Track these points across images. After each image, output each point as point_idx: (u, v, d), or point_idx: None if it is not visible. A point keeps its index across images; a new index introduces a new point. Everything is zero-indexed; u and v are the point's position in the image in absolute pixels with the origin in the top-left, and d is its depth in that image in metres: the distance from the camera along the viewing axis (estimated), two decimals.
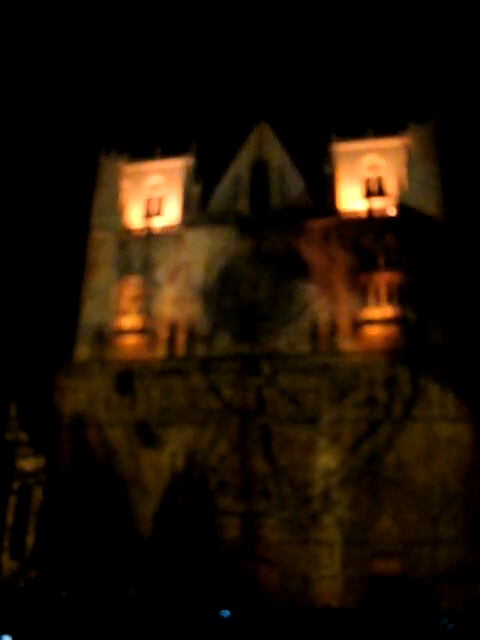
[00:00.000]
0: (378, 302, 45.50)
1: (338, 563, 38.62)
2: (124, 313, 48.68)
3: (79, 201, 56.32)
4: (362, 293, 45.64)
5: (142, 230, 51.23)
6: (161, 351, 46.66)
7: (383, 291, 45.70)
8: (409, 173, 48.62)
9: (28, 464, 44.38)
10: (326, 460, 40.86)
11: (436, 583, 36.96)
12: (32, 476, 44.00)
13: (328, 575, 38.48)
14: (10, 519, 42.40)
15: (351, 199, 49.25)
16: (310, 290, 46.49)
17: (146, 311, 48.26)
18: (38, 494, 43.45)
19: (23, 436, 45.13)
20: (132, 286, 49.35)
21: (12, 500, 42.89)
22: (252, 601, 35.98)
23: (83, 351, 47.64)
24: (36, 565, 40.26)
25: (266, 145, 52.56)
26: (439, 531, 38.10)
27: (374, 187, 49.73)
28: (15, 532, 42.10)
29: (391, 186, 49.09)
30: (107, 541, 40.71)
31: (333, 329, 45.04)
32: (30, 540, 41.69)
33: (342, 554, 38.75)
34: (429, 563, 37.47)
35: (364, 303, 45.41)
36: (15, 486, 43.33)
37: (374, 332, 44.70)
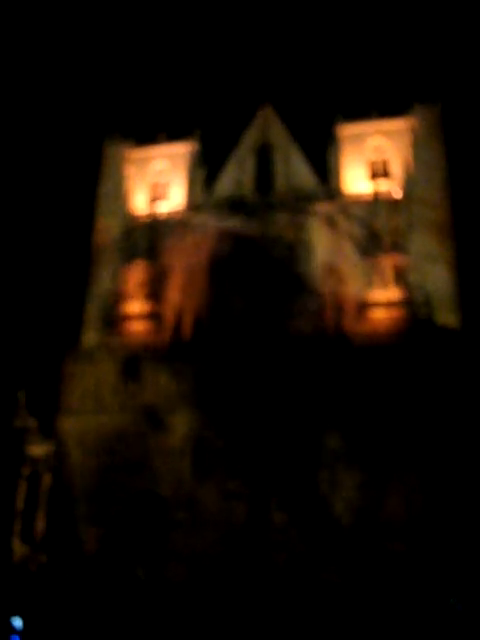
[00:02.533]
0: (384, 284, 45.46)
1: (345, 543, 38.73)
2: (131, 298, 48.77)
3: (84, 187, 56.30)
4: (368, 276, 45.61)
5: (148, 215, 51.21)
6: (168, 336, 46.74)
7: (389, 273, 45.64)
8: (414, 155, 48.32)
9: (37, 450, 44.66)
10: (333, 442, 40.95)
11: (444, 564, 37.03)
12: (41, 462, 44.28)
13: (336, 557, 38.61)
14: (20, 505, 42.72)
15: (356, 181, 49.05)
16: (316, 273, 46.47)
17: (153, 296, 48.32)
18: (47, 480, 43.74)
19: (32, 423, 45.35)
20: (138, 271, 49.41)
21: (22, 486, 43.18)
22: (260, 582, 36.25)
23: (90, 337, 47.79)
24: (46, 550, 40.62)
25: (270, 128, 52.28)
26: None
27: (379, 169, 49.49)
28: (25, 517, 42.41)
29: (396, 168, 48.87)
30: (116, 526, 41.03)
31: (340, 312, 45.03)
32: (40, 525, 42.02)
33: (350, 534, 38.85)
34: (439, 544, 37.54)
35: (370, 286, 45.38)
36: (25, 472, 43.60)
37: (380, 315, 44.68)
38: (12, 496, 41.65)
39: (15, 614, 20.27)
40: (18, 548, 40.48)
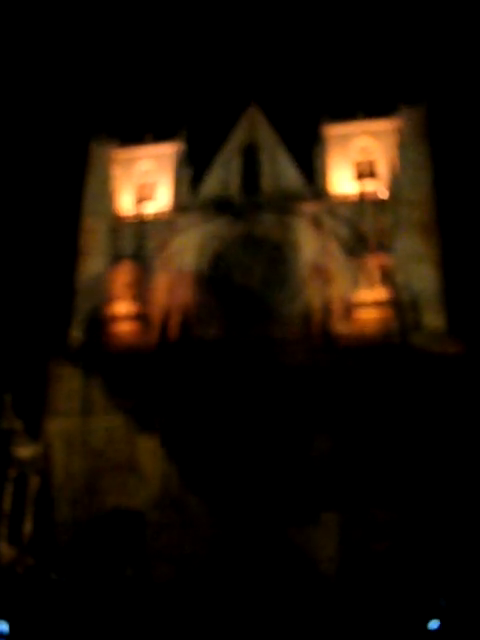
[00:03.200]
0: (371, 285, 45.58)
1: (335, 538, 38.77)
2: (118, 299, 48.63)
3: (70, 188, 56.04)
4: (354, 276, 45.71)
5: (134, 216, 51.11)
6: (155, 337, 46.63)
7: (376, 273, 45.77)
8: (400, 155, 48.50)
9: (24, 452, 44.36)
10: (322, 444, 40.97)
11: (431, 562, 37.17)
12: (29, 464, 44.02)
13: (326, 557, 38.67)
14: (7, 507, 42.46)
15: (343, 182, 49.18)
16: (303, 274, 46.53)
17: (140, 297, 48.20)
18: (35, 482, 43.51)
19: (18, 424, 45.07)
20: (125, 272, 49.27)
21: (9, 488, 42.92)
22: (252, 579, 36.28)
23: (77, 338, 47.63)
24: (34, 552, 40.45)
25: (257, 129, 52.29)
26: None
27: (365, 169, 49.64)
28: (12, 520, 42.17)
29: (382, 168, 49.04)
30: (104, 527, 40.94)
31: (326, 312, 45.09)
32: (27, 527, 41.81)
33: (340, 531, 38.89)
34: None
35: (357, 286, 45.47)
36: (12, 474, 43.34)
37: (367, 315, 44.79)
38: None
39: (1, 618, 20.16)
40: (5, 551, 40.23)
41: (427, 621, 29.22)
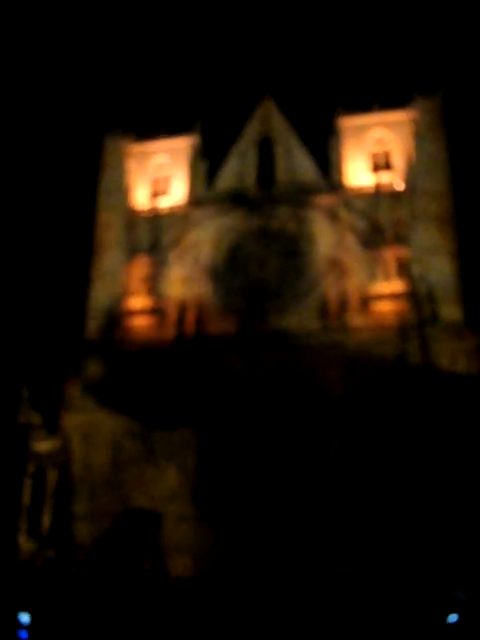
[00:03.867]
0: (387, 277, 45.40)
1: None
2: (133, 294, 48.74)
3: (85, 183, 56.17)
4: (371, 268, 45.55)
5: (149, 210, 51.16)
6: (171, 331, 46.73)
7: (392, 266, 45.58)
8: (416, 147, 48.19)
9: (42, 446, 44.66)
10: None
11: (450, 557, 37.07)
12: (46, 458, 44.31)
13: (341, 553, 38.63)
14: (26, 501, 42.78)
15: (358, 174, 48.95)
16: (319, 267, 46.43)
17: (155, 291, 48.29)
18: (53, 476, 43.79)
19: (36, 419, 45.36)
20: (141, 267, 49.38)
21: (28, 482, 43.24)
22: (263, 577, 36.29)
23: (93, 332, 47.80)
24: (53, 545, 40.75)
25: (271, 121, 52.15)
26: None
27: (381, 161, 49.38)
28: (31, 514, 42.49)
29: (398, 160, 48.75)
30: (122, 520, 41.15)
31: (342, 305, 44.99)
32: (46, 521, 42.11)
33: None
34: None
35: (373, 278, 45.32)
36: (30, 469, 43.65)
37: (384, 307, 44.62)
38: (18, 492, 41.69)
39: (22, 609, 20.36)
40: (25, 544, 40.56)
41: (446, 615, 29.05)
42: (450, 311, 43.29)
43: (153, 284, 48.51)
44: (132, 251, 49.84)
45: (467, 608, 27.91)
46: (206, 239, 48.76)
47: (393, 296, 44.74)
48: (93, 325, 48.05)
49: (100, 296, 48.80)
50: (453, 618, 26.07)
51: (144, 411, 43.58)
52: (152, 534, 40.57)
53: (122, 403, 44.19)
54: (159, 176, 52.91)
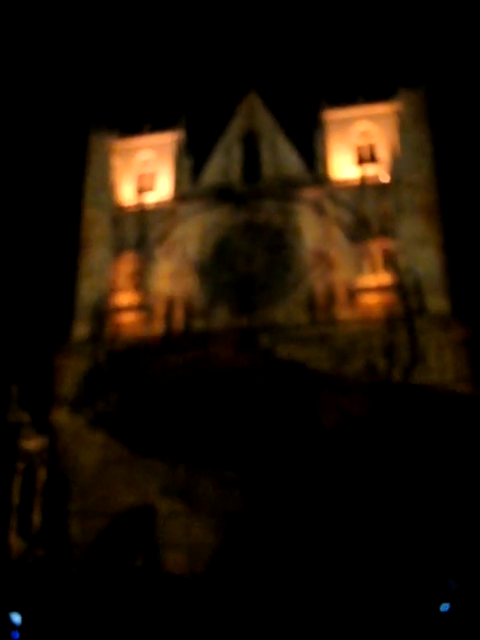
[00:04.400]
0: (374, 270, 45.48)
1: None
2: (120, 290, 48.59)
3: (70, 179, 55.95)
4: (358, 261, 45.61)
5: (135, 206, 50.98)
6: (159, 327, 46.63)
7: (379, 258, 45.67)
8: (401, 139, 48.29)
9: (31, 445, 44.52)
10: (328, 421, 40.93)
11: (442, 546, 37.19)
12: (36, 456, 44.18)
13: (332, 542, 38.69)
14: (16, 499, 42.64)
15: (343, 167, 48.97)
16: (305, 260, 46.44)
17: (142, 287, 48.16)
18: (42, 474, 43.66)
19: (25, 417, 45.21)
20: (127, 263, 49.23)
21: (17, 481, 43.09)
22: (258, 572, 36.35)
23: (81, 330, 47.62)
24: (43, 544, 40.63)
25: (256, 116, 52.07)
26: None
27: (366, 154, 49.42)
28: (21, 512, 42.36)
29: (383, 152, 48.81)
30: (113, 517, 41.10)
31: (330, 298, 45.04)
32: (36, 519, 41.99)
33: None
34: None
35: (360, 271, 45.38)
36: (19, 467, 43.51)
37: (371, 300, 44.70)
38: (7, 491, 41.55)
39: (14, 610, 20.27)
40: (15, 543, 40.43)
41: (438, 604, 29.23)
42: (437, 303, 43.41)
43: (140, 280, 48.39)
44: (119, 247, 49.67)
45: (459, 597, 28.08)
46: (193, 234, 48.68)
47: (380, 288, 44.81)
48: (80, 322, 47.87)
49: (87, 293, 48.64)
50: (445, 607, 26.24)
51: (133, 407, 43.47)
52: (146, 530, 40.53)
53: (111, 400, 44.09)
54: (144, 172, 52.75)
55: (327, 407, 40.85)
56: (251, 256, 47.48)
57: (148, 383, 43.61)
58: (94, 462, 42.92)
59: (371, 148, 49.65)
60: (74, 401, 44.18)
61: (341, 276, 45.46)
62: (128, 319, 47.79)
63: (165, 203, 50.48)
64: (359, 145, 49.88)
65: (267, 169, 50.18)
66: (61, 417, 44.55)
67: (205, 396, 42.36)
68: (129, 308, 48.08)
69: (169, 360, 43.67)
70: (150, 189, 51.81)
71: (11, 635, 20.55)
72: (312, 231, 47.11)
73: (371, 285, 45.11)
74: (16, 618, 20.62)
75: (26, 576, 33.50)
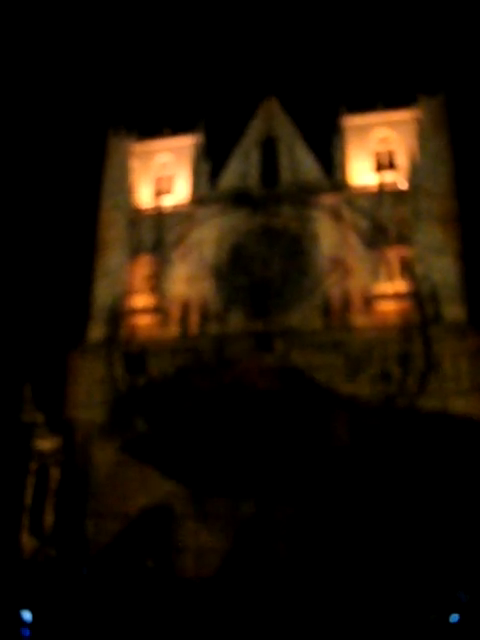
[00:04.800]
0: (390, 277, 45.36)
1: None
2: (136, 292, 48.76)
3: (88, 181, 56.21)
4: (374, 268, 45.51)
5: (153, 209, 51.17)
6: (174, 330, 46.75)
7: (395, 265, 45.55)
8: (420, 146, 48.20)
9: (45, 445, 44.73)
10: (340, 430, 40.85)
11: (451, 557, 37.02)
12: (49, 456, 44.37)
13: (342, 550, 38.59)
14: (29, 499, 42.85)
15: (362, 173, 48.93)
16: (322, 266, 46.41)
17: (158, 290, 48.30)
18: (55, 474, 43.84)
19: (39, 417, 45.43)
20: (144, 265, 49.40)
21: (30, 480, 43.31)
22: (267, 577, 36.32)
23: (96, 331, 47.80)
24: (55, 543, 40.79)
25: (275, 120, 52.16)
26: None
27: (385, 161, 49.38)
28: (34, 512, 42.56)
29: (402, 159, 48.73)
30: (125, 518, 41.18)
31: (346, 305, 44.98)
32: (48, 519, 42.16)
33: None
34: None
35: (376, 278, 45.28)
36: (33, 467, 43.71)
37: (387, 307, 44.59)
38: (20, 490, 41.77)
39: (25, 607, 20.43)
40: (27, 542, 40.63)
41: (447, 615, 29.08)
42: (453, 311, 43.25)
43: (156, 283, 48.52)
44: (135, 250, 49.85)
45: (469, 608, 27.92)
46: (209, 238, 48.77)
47: (396, 296, 44.69)
48: (96, 323, 48.05)
49: (103, 295, 48.82)
50: (455, 618, 26.10)
51: (149, 409, 43.59)
52: (158, 533, 40.59)
53: (125, 401, 44.23)
54: (162, 175, 52.97)
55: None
56: (267, 261, 47.50)
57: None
58: (108, 463, 43.06)
59: (390, 155, 49.60)
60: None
61: (357, 282, 45.39)
62: (143, 321, 47.93)
63: (182, 206, 50.63)
64: (378, 151, 49.85)
65: (285, 174, 50.21)
66: (75, 417, 44.71)
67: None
68: (145, 310, 48.23)
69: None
70: (168, 192, 52.00)
71: (22, 632, 20.71)
72: (329, 237, 47.08)
73: (387, 292, 45.01)
74: (27, 615, 20.76)
75: (37, 574, 33.68)
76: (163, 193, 51.98)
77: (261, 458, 40.52)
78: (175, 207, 50.73)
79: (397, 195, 47.22)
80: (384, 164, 49.28)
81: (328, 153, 50.41)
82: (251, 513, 39.95)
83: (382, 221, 46.38)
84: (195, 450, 41.51)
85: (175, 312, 47.25)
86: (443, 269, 44.23)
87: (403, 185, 47.55)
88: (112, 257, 49.94)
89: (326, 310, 45.03)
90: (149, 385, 44.52)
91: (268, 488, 39.83)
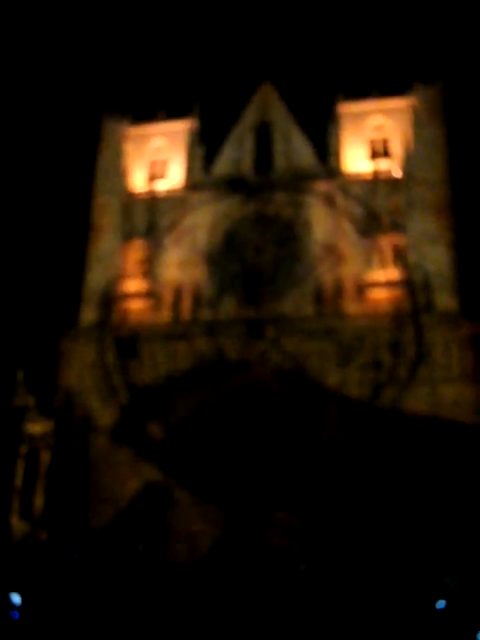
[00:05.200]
0: (383, 265, 45.42)
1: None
2: (129, 277, 48.69)
3: (82, 165, 55.95)
4: (367, 255, 45.55)
5: (146, 193, 51.01)
6: (166, 315, 46.75)
7: (388, 253, 45.60)
8: (415, 134, 48.15)
9: (36, 428, 44.68)
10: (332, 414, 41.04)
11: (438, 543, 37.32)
12: (40, 440, 44.34)
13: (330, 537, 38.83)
14: (19, 482, 42.84)
15: (356, 160, 48.88)
16: (315, 253, 46.42)
17: (151, 275, 48.25)
18: (46, 457, 43.84)
19: (30, 401, 45.35)
20: (137, 250, 49.29)
21: (20, 464, 43.28)
22: (257, 560, 36.52)
23: (88, 315, 47.78)
24: (46, 526, 40.88)
25: (270, 106, 51.99)
26: None
27: (379, 148, 49.32)
28: (24, 495, 42.57)
29: (397, 147, 48.68)
30: (115, 502, 41.31)
31: (338, 292, 45.04)
32: (39, 502, 42.22)
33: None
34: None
35: (369, 266, 45.33)
36: (23, 450, 43.67)
37: (379, 295, 44.67)
38: (11, 474, 41.76)
39: (14, 590, 20.46)
40: (17, 525, 40.68)
41: (434, 601, 29.30)
42: (446, 300, 43.38)
43: (149, 267, 48.46)
44: (128, 234, 49.72)
45: (455, 594, 28.12)
46: (203, 224, 48.68)
47: (389, 284, 44.78)
48: (88, 307, 48.00)
49: (95, 278, 48.75)
50: (441, 604, 26.29)
51: (138, 395, 43.65)
52: (150, 519, 40.69)
53: (116, 386, 44.27)
54: (156, 159, 52.77)
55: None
56: (260, 247, 47.47)
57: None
58: (100, 447, 43.17)
59: (385, 142, 49.54)
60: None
61: (350, 270, 45.43)
62: (136, 306, 47.90)
63: (176, 191, 50.48)
64: (373, 139, 49.79)
65: (279, 160, 50.11)
66: (66, 401, 44.75)
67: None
68: (137, 295, 48.18)
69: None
70: (162, 177, 51.82)
71: (11, 615, 20.77)
72: (322, 224, 47.07)
73: (380, 280, 45.07)
74: (16, 599, 20.81)
75: (27, 558, 33.73)
76: (157, 177, 51.80)
77: (254, 455, 40.73)
78: (169, 192, 50.59)
79: (391, 183, 47.21)
80: (379, 152, 49.23)
81: (323, 140, 50.32)
82: (241, 498, 40.11)
83: (376, 209, 46.39)
84: (186, 445, 41.66)
85: (167, 297, 47.22)
86: (436, 258, 44.32)
87: (397, 173, 47.54)
88: (105, 241, 49.83)
89: (318, 297, 45.09)
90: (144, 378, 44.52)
91: (261, 484, 39.99)
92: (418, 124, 48.24)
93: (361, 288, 44.91)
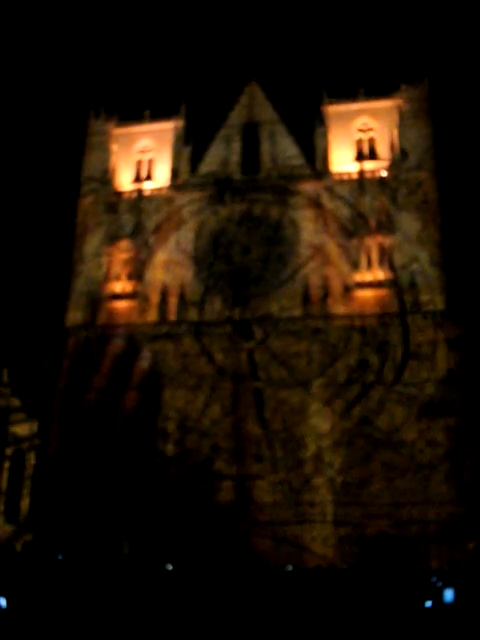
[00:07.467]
0: (370, 265, 45.42)
1: (330, 525, 39.01)
2: (115, 278, 48.46)
3: (68, 165, 55.65)
4: (354, 256, 45.55)
5: (132, 193, 50.78)
6: (153, 316, 46.55)
7: (375, 254, 45.60)
8: (401, 135, 48.21)
9: (21, 429, 44.23)
10: (318, 423, 41.09)
11: (426, 543, 37.40)
12: (26, 441, 43.93)
13: (320, 536, 38.88)
14: (4, 484, 42.42)
15: (343, 161, 48.88)
16: (301, 253, 46.37)
17: (137, 276, 48.04)
18: (32, 459, 43.42)
19: (16, 402, 44.94)
20: (123, 250, 49.06)
21: (6, 465, 42.86)
22: (245, 562, 36.38)
23: (75, 316, 47.51)
24: (31, 529, 40.52)
25: (257, 107, 51.93)
26: (429, 491, 38.49)
27: (366, 149, 49.38)
28: (9, 497, 42.15)
29: (383, 148, 48.71)
30: (101, 504, 41.02)
31: (325, 292, 45.00)
32: (25, 504, 41.81)
33: (334, 516, 39.12)
34: (419, 523, 37.90)
35: (356, 266, 45.33)
36: (8, 452, 43.24)
37: (366, 295, 44.68)
38: None
39: None
40: (2, 528, 40.28)
41: (422, 600, 29.22)
42: (432, 300, 43.45)
43: (135, 268, 48.23)
44: (115, 235, 49.51)
45: (443, 594, 28.08)
46: (189, 224, 48.50)
47: (375, 284, 44.81)
48: (74, 308, 47.72)
49: (82, 279, 48.52)
50: (429, 604, 26.30)
51: (124, 394, 43.44)
52: (136, 518, 40.41)
53: (102, 386, 44.03)
54: (143, 159, 52.58)
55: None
56: (247, 248, 47.37)
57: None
58: (86, 448, 42.91)
59: (371, 143, 49.58)
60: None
61: (336, 270, 45.43)
62: (122, 306, 47.69)
63: (162, 191, 50.26)
64: (359, 140, 49.83)
65: (266, 161, 50.04)
66: (52, 402, 44.46)
67: None
68: (123, 296, 47.96)
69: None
70: (148, 177, 51.61)
71: None
72: (309, 224, 47.04)
73: (366, 280, 45.08)
74: (1, 601, 20.60)
75: (12, 560, 33.45)
76: (143, 178, 51.61)
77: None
78: (155, 192, 50.37)
79: (378, 184, 47.22)
80: (365, 152, 49.26)
81: (309, 140, 50.37)
82: (230, 496, 39.94)
83: (362, 209, 46.41)
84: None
85: (154, 298, 47.03)
86: (422, 258, 44.41)
87: (384, 173, 47.54)
88: (91, 242, 49.59)
89: (305, 297, 45.06)
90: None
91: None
92: (404, 125, 48.34)
93: (348, 288, 44.91)
